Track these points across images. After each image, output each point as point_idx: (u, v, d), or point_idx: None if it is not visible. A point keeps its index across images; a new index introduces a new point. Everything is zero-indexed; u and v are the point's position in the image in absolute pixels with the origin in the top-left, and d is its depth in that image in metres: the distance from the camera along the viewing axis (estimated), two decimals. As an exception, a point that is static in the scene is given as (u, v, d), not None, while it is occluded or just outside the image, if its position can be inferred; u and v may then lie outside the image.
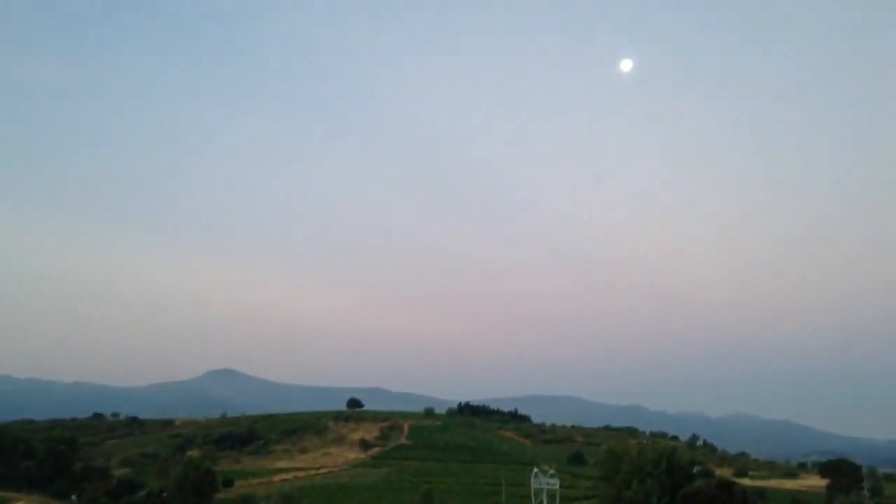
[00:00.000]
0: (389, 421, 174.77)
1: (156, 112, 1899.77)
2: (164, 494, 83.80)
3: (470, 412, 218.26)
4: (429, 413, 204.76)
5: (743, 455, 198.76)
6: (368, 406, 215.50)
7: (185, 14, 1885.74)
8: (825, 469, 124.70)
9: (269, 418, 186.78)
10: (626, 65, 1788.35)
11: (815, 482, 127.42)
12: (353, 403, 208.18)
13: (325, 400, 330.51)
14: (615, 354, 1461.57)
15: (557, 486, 68.02)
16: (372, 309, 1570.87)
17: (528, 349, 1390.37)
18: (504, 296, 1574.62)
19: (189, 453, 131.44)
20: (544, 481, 64.88)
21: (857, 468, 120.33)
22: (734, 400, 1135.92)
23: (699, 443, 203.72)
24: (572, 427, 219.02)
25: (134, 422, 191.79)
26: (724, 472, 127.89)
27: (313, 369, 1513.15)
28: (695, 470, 78.87)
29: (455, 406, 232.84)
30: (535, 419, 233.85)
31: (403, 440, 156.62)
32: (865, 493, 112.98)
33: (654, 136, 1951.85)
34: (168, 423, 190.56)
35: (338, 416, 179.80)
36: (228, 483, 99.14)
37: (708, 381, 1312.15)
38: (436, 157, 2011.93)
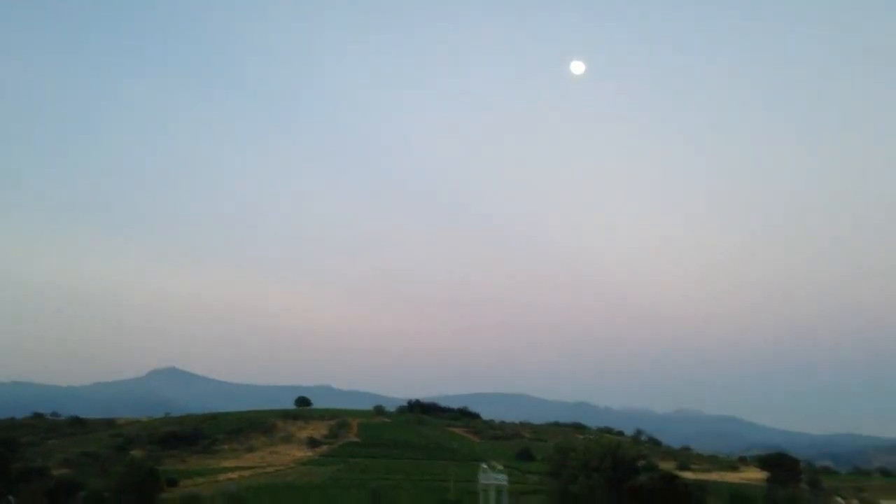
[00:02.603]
0: (338, 419, 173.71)
1: (95, 98, 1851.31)
2: (105, 495, 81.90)
3: (419, 410, 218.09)
4: (378, 411, 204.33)
5: (686, 449, 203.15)
6: (317, 404, 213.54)
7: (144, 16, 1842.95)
8: (764, 462, 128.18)
9: (215, 417, 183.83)
10: (578, 67, 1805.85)
11: (755, 475, 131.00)
12: (302, 402, 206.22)
13: (272, 399, 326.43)
14: (563, 352, 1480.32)
15: (505, 482, 68.56)
16: (319, 306, 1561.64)
17: (477, 347, 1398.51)
18: (452, 294, 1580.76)
19: (132, 453, 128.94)
20: (492, 477, 65.37)
21: (796, 461, 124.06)
22: (679, 396, 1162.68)
23: (644, 438, 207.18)
24: (520, 424, 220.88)
25: (75, 421, 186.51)
26: (667, 466, 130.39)
27: (260, 368, 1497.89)
28: (639, 464, 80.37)
29: (405, 404, 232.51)
30: (485, 416, 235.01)
31: (352, 438, 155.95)
32: (803, 485, 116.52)
33: (605, 137, 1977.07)
34: (110, 423, 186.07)
35: (285, 415, 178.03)
36: (172, 483, 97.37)
37: (654, 377, 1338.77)
38: (380, 157, 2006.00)
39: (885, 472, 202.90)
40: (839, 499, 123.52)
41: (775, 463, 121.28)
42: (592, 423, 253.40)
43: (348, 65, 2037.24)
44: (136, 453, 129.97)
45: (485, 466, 76.05)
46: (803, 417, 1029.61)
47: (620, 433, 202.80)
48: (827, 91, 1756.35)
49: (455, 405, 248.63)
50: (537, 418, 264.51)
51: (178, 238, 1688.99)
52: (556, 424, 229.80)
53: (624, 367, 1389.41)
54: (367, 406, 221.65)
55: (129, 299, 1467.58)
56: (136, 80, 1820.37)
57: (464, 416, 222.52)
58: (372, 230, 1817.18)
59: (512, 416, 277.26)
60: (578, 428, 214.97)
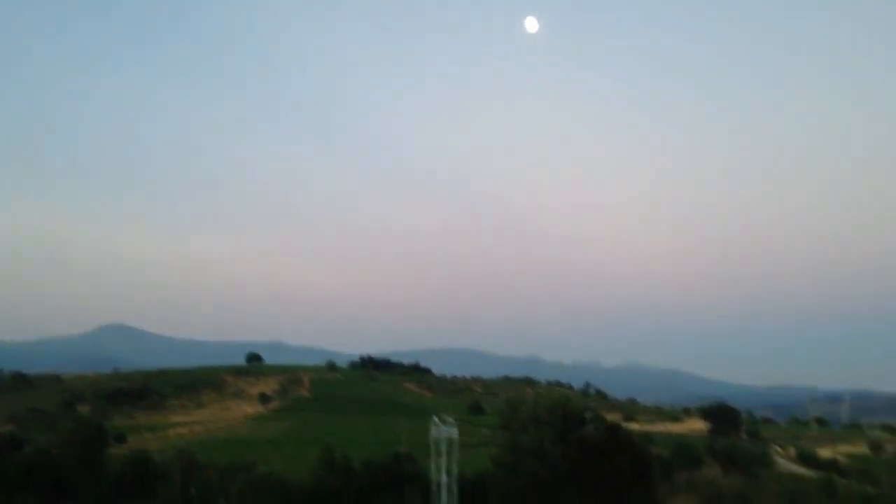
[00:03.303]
0: (290, 375, 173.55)
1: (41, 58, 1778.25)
2: (52, 451, 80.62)
3: (372, 366, 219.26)
4: (330, 367, 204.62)
5: (632, 402, 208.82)
6: (268, 360, 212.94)
7: None
8: (707, 413, 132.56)
9: (165, 374, 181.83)
10: (532, 24, 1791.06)
11: (698, 426, 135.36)
12: (253, 358, 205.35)
13: (223, 355, 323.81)
14: (514, 308, 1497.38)
15: (456, 435, 69.37)
16: (270, 263, 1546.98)
17: (429, 303, 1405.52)
18: (404, 251, 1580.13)
19: (78, 409, 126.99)
20: (443, 430, 66.07)
21: (736, 412, 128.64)
22: (626, 350, 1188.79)
23: (592, 391, 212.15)
24: (472, 378, 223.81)
25: (18, 378, 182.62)
26: (614, 418, 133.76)
27: (211, 324, 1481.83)
28: (587, 416, 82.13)
29: (357, 360, 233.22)
30: (436, 372, 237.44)
31: (305, 394, 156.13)
32: (743, 435, 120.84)
33: (557, 95, 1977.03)
34: (56, 380, 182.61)
35: (236, 371, 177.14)
36: (121, 438, 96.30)
37: (602, 332, 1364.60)
38: (330, 114, 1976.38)
39: (820, 422, 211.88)
40: (776, 447, 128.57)
41: (717, 414, 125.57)
42: (542, 377, 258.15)
43: (287, 15, 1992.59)
44: (84, 409, 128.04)
45: (436, 420, 76.84)
46: (745, 371, 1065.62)
47: (569, 387, 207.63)
48: (784, 44, 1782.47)
49: (407, 361, 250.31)
50: (488, 373, 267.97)
51: (124, 194, 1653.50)
52: (507, 379, 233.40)
53: (573, 323, 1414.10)
54: (320, 362, 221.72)
55: (75, 255, 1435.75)
56: (76, 23, 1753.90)
57: (416, 371, 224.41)
58: (323, 187, 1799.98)
59: (463, 371, 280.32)
60: (529, 382, 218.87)
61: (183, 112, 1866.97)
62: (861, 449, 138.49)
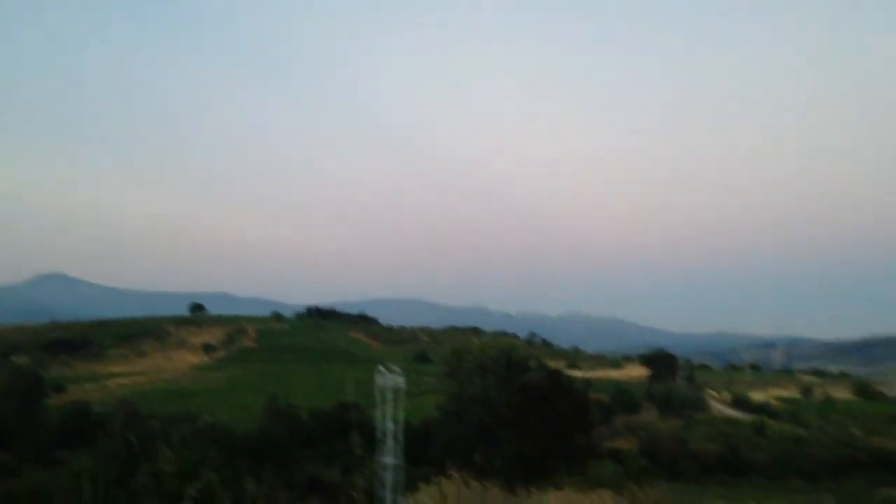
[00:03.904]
0: (235, 325, 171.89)
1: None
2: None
3: (318, 316, 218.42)
4: (276, 317, 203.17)
5: (575, 350, 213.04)
6: (212, 311, 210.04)
7: None
8: (646, 360, 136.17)
9: (105, 324, 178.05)
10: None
11: (638, 372, 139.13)
12: (196, 308, 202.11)
13: (164, 306, 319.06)
14: (460, 258, 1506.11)
15: (403, 384, 69.79)
16: (214, 212, 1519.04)
17: (376, 253, 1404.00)
18: (350, 201, 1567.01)
19: (14, 360, 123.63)
20: (390, 379, 66.34)
21: (674, 359, 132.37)
22: (571, 300, 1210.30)
23: (537, 340, 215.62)
24: (418, 328, 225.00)
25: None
26: (557, 366, 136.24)
27: (152, 274, 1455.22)
28: (531, 364, 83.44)
29: (303, 310, 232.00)
30: (383, 322, 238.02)
31: (250, 344, 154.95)
32: (680, 380, 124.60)
33: (511, 48, 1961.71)
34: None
35: (179, 322, 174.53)
36: (59, 389, 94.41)
37: (547, 282, 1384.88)
38: (275, 61, 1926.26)
39: (754, 368, 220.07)
40: (712, 392, 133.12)
41: (656, 361, 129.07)
42: (488, 327, 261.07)
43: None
44: (20, 360, 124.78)
45: (382, 368, 77.16)
46: (684, 319, 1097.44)
47: (515, 336, 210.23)
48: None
49: (354, 311, 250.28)
50: (435, 323, 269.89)
51: (60, 140, 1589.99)
52: (453, 328, 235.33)
53: (519, 274, 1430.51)
54: (265, 313, 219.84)
55: (8, 203, 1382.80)
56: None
57: (362, 321, 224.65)
58: (271, 136, 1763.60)
59: (410, 321, 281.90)
60: (475, 332, 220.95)
61: (125, 64, 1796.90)
62: (792, 393, 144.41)
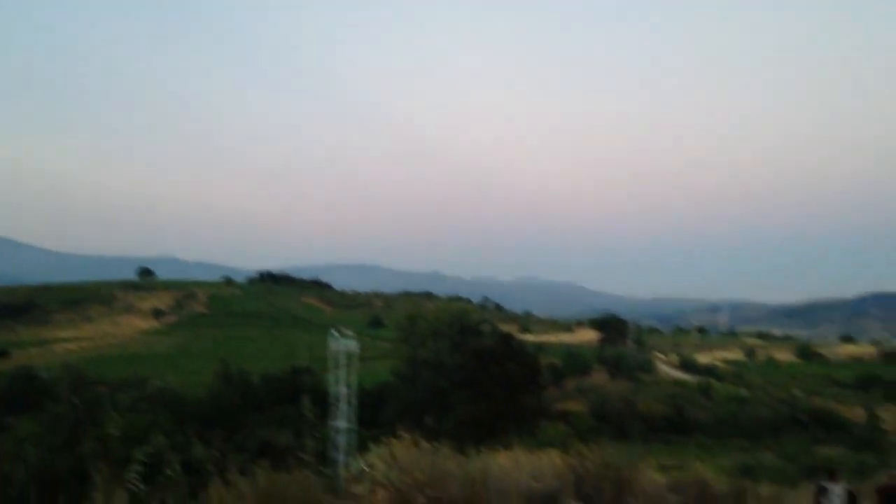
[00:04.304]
0: (184, 290, 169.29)
1: None
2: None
3: (270, 281, 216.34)
4: (227, 282, 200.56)
5: (528, 314, 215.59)
6: (161, 276, 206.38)
7: None
8: (597, 324, 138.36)
9: (50, 289, 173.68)
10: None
11: (589, 336, 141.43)
12: (144, 273, 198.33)
13: (112, 270, 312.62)
14: (415, 224, 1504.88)
15: (356, 348, 69.90)
16: (162, 175, 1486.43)
17: (330, 219, 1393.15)
18: (304, 166, 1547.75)
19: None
20: (343, 344, 66.35)
21: (624, 323, 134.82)
22: (523, 265, 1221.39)
23: (490, 305, 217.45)
24: (372, 293, 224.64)
25: None
26: (510, 330, 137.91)
27: (99, 238, 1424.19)
28: (483, 328, 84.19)
29: (255, 275, 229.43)
30: (336, 287, 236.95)
31: (200, 309, 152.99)
32: (630, 343, 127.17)
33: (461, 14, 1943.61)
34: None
35: (127, 286, 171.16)
36: (3, 354, 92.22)
37: (500, 247, 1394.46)
38: (233, 27, 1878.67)
39: (701, 331, 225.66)
40: (660, 354, 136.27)
41: (606, 325, 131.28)
42: (442, 292, 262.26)
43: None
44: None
45: (335, 333, 77.08)
46: (635, 283, 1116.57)
47: (468, 301, 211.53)
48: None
49: (307, 276, 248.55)
50: (389, 288, 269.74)
51: (2, 106, 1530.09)
52: (407, 294, 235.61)
53: (473, 239, 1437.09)
54: (216, 278, 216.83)
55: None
56: None
57: (316, 286, 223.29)
58: (220, 101, 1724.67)
59: (364, 286, 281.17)
60: (429, 297, 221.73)
61: (59, 22, 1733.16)
62: (737, 355, 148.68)
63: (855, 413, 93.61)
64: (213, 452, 7.64)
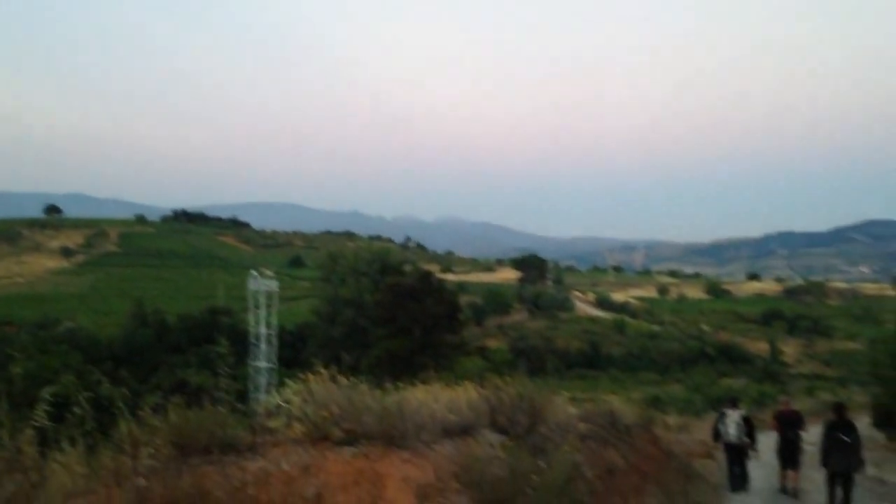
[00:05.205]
0: (95, 228, 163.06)
1: None
2: None
3: (186, 219, 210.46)
4: (140, 220, 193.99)
5: (450, 254, 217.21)
6: (69, 213, 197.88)
7: None
8: (517, 264, 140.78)
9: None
10: None
11: (509, 275, 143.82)
12: (51, 210, 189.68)
13: (16, 207, 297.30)
14: (335, 162, 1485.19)
15: (276, 288, 69.18)
16: (68, 106, 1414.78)
17: (248, 156, 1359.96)
18: (222, 99, 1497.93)
19: None
20: (262, 284, 65.56)
21: (544, 262, 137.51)
22: (445, 205, 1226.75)
23: (412, 244, 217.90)
24: (293, 233, 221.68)
25: None
26: (432, 269, 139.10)
27: (1, 173, 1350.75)
28: (405, 268, 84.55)
29: (169, 213, 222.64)
30: (255, 226, 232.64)
31: (112, 248, 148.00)
32: (549, 282, 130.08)
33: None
34: None
35: (33, 224, 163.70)
36: None
37: (422, 186, 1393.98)
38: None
39: (616, 269, 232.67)
40: (577, 293, 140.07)
41: (526, 264, 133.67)
42: (364, 231, 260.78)
43: None
44: None
45: (254, 273, 75.99)
46: (553, 223, 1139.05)
47: (390, 241, 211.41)
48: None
49: (224, 214, 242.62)
50: (309, 228, 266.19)
51: None
52: (328, 233, 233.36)
53: (394, 179, 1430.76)
54: (128, 216, 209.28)
55: None
56: None
57: (234, 225, 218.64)
58: (128, 34, 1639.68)
59: (284, 225, 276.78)
60: (350, 236, 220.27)
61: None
62: (650, 293, 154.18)
63: (759, 346, 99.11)
64: (122, 391, 7.43)
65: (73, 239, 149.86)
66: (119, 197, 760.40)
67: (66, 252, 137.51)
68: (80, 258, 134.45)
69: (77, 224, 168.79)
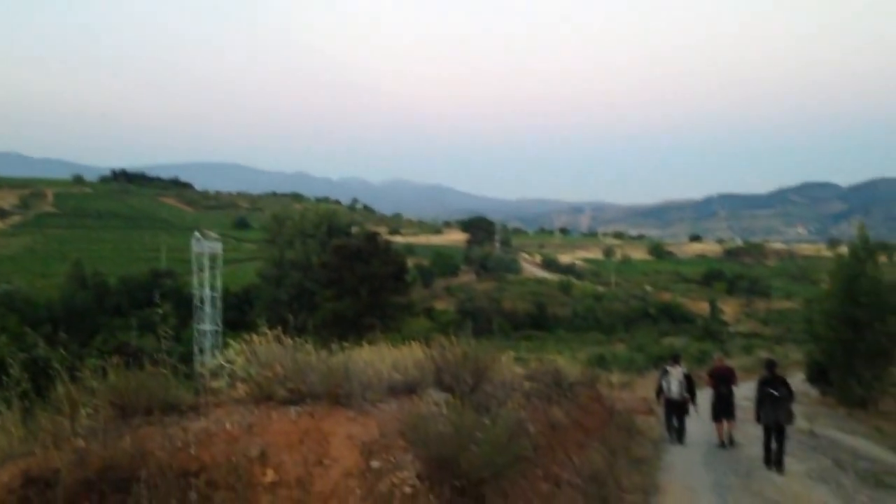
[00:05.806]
0: (30, 188, 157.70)
1: None
2: None
3: (125, 179, 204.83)
4: (77, 180, 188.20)
5: (398, 216, 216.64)
6: (2, 173, 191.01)
7: None
8: (465, 226, 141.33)
9: None
10: None
11: (457, 237, 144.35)
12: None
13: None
14: (281, 122, 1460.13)
15: (220, 250, 68.16)
16: (1, 64, 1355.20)
17: (190, 115, 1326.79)
18: (163, 58, 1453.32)
19: None
20: (206, 246, 64.49)
21: (491, 224, 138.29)
22: (393, 167, 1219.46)
23: (359, 206, 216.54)
24: (237, 194, 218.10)
25: None
26: (379, 231, 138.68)
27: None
28: (352, 230, 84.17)
29: (108, 173, 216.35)
30: (198, 187, 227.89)
31: (48, 209, 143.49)
32: (496, 244, 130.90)
33: None
34: None
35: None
36: None
37: (369, 148, 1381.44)
38: None
39: (563, 231, 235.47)
40: (525, 255, 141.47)
41: (474, 226, 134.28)
42: (310, 193, 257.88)
43: None
44: None
45: (198, 235, 74.59)
46: (501, 185, 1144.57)
47: (337, 202, 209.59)
48: None
49: (166, 175, 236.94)
50: (255, 189, 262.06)
51: None
52: (274, 195, 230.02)
53: (341, 140, 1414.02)
54: (64, 175, 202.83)
55: None
56: None
57: (175, 186, 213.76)
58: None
59: (228, 186, 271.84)
60: (296, 198, 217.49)
61: None
62: (596, 254, 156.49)
63: (700, 306, 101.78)
64: (60, 352, 7.29)
65: (8, 200, 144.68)
66: (55, 156, 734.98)
67: (0, 213, 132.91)
68: (14, 219, 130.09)
69: (11, 184, 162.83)
